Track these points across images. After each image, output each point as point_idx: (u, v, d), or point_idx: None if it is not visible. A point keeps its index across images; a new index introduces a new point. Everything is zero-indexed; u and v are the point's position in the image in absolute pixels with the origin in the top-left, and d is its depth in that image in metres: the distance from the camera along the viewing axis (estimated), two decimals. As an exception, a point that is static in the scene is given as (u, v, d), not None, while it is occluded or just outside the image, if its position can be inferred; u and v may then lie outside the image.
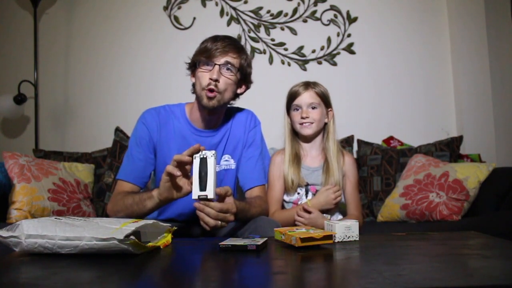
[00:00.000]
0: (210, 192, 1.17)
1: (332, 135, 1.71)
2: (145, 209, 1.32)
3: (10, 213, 1.97)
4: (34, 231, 0.97)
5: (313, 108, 1.68)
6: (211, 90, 1.40)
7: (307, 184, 1.70)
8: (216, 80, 1.40)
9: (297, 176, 1.68)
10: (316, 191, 1.70)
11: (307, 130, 1.68)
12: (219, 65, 1.41)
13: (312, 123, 1.68)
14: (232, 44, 1.43)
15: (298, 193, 1.71)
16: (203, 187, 1.18)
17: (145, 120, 1.51)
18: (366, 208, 2.32)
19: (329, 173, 1.68)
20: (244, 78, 1.50)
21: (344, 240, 1.17)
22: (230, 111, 1.59)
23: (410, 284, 0.76)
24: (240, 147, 1.58)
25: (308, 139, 1.73)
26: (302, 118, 1.67)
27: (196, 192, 1.18)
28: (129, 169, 1.47)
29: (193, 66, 1.48)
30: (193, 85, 1.50)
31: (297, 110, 1.69)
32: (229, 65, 1.42)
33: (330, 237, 1.08)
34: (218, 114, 1.52)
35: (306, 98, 1.67)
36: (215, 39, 1.44)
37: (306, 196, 1.70)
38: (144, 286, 0.82)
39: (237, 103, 1.59)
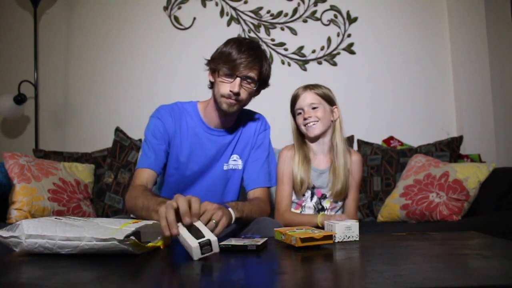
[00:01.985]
0: (208, 235, 0.98)
1: (339, 132, 1.70)
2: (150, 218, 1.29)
3: (10, 213, 1.97)
4: (34, 231, 0.97)
5: (314, 108, 1.67)
6: (232, 98, 1.42)
7: (314, 187, 1.70)
8: (237, 94, 1.41)
9: (307, 176, 1.67)
10: (322, 194, 1.70)
11: (313, 130, 1.67)
12: (241, 77, 1.40)
13: (316, 121, 1.66)
14: (256, 59, 1.41)
15: (304, 195, 1.71)
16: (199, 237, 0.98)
17: (159, 114, 1.51)
18: (366, 208, 2.32)
19: (335, 174, 1.67)
20: (263, 84, 1.50)
21: (344, 240, 1.17)
22: (242, 112, 1.59)
23: (410, 284, 0.76)
24: (248, 148, 1.59)
25: (316, 138, 1.72)
26: (305, 119, 1.67)
27: (196, 251, 0.95)
28: (147, 157, 1.46)
29: (212, 66, 1.45)
30: (211, 82, 1.50)
31: (300, 113, 1.70)
32: (250, 79, 1.42)
33: (330, 237, 1.08)
34: (233, 115, 1.54)
35: (306, 99, 1.67)
36: (240, 48, 1.39)
37: (312, 198, 1.70)
38: (144, 286, 0.82)
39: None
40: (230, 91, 1.40)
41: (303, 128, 1.69)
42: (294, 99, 1.71)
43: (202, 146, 1.51)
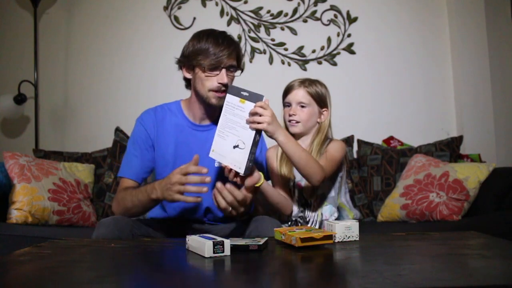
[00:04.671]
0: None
1: (321, 135, 1.67)
2: (145, 210, 1.41)
3: (10, 213, 1.97)
4: None
5: (302, 107, 1.65)
6: (220, 91, 1.45)
7: (294, 178, 1.68)
8: (226, 85, 1.44)
9: (289, 170, 1.65)
10: (302, 187, 1.67)
11: (293, 128, 1.65)
12: (226, 68, 1.44)
13: (298, 122, 1.65)
14: (234, 47, 1.46)
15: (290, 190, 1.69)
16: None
17: (142, 120, 1.56)
18: (366, 208, 2.32)
19: None
20: (240, 65, 1.55)
21: (344, 240, 1.17)
22: None
23: (410, 284, 0.76)
24: None
25: (297, 136, 1.70)
26: (290, 115, 1.65)
27: (209, 249, 1.00)
28: (128, 167, 1.52)
29: (191, 64, 1.47)
30: (188, 80, 1.53)
31: (288, 106, 1.67)
32: (233, 67, 1.47)
33: (330, 237, 1.08)
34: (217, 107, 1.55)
35: (297, 95, 1.65)
36: (217, 40, 1.43)
37: (294, 192, 1.67)
38: (144, 286, 0.82)
39: None
40: (219, 83, 1.43)
41: (286, 122, 1.68)
42: (287, 91, 1.68)
43: (187, 142, 1.53)
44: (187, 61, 1.47)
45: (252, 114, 1.28)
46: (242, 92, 1.28)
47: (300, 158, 1.43)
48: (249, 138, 1.26)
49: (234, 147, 1.29)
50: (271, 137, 1.35)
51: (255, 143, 1.27)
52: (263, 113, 1.27)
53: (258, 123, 1.27)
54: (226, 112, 1.31)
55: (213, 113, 1.54)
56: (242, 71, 1.54)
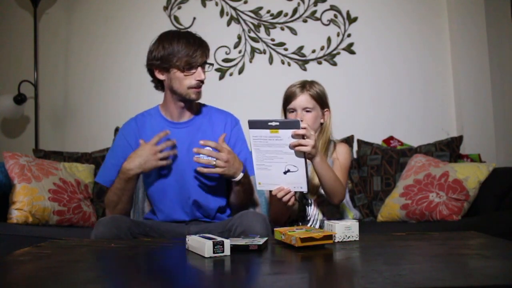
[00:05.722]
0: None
1: (325, 135, 1.68)
2: (130, 194, 1.55)
3: (11, 213, 1.97)
4: None
5: (307, 111, 1.66)
6: (198, 87, 1.54)
7: None
8: (203, 81, 1.54)
9: None
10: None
11: None
12: (201, 66, 1.53)
13: None
14: (204, 45, 1.55)
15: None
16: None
17: (123, 129, 1.65)
18: (366, 208, 2.32)
19: (312, 170, 1.65)
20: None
21: (344, 240, 1.17)
22: (208, 109, 1.69)
23: (410, 284, 0.76)
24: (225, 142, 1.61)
25: None
26: None
27: (209, 249, 1.01)
28: (105, 174, 1.62)
29: (165, 66, 1.53)
30: (160, 81, 1.59)
31: (292, 112, 1.68)
32: (207, 63, 1.57)
33: (330, 237, 1.08)
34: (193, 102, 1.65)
35: (301, 101, 1.65)
36: (188, 41, 1.51)
37: (295, 193, 1.67)
38: (144, 286, 0.82)
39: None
40: (198, 80, 1.52)
41: None
42: (289, 97, 1.69)
43: (168, 139, 1.58)
44: (161, 63, 1.54)
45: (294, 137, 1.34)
46: (269, 123, 1.32)
47: (330, 179, 1.50)
48: (299, 160, 1.34)
49: (285, 172, 1.36)
50: (310, 158, 1.42)
51: (306, 161, 1.36)
52: (309, 137, 1.34)
53: (302, 145, 1.33)
54: (257, 146, 1.35)
55: (188, 109, 1.62)
56: (213, 66, 1.63)
